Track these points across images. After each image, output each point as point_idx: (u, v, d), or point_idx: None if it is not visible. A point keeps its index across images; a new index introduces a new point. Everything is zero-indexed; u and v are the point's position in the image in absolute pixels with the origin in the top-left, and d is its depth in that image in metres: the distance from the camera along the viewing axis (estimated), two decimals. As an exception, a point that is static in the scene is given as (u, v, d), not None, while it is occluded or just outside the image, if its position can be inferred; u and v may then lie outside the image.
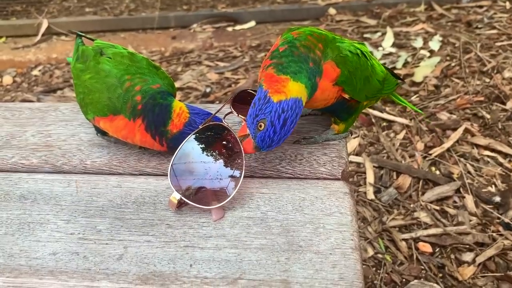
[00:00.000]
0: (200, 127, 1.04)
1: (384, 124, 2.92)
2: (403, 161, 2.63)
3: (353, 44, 1.08)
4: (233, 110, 1.08)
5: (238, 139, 1.01)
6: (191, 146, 1.02)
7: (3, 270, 0.86)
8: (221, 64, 3.81)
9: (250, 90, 1.10)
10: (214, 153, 1.03)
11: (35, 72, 3.95)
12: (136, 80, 1.06)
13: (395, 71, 2.48)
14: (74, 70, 1.17)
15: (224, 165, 1.01)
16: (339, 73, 1.03)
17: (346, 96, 1.07)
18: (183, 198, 0.95)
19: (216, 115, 1.08)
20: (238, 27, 4.40)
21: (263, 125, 0.95)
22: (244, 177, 1.05)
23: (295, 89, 0.97)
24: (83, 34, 1.26)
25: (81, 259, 0.87)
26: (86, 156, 1.16)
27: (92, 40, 1.24)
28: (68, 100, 3.52)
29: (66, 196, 1.03)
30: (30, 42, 4.38)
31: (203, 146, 1.03)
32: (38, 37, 4.38)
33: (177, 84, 3.46)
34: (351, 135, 1.18)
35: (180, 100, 1.24)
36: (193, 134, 1.03)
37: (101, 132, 1.18)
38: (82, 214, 0.98)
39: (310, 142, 1.14)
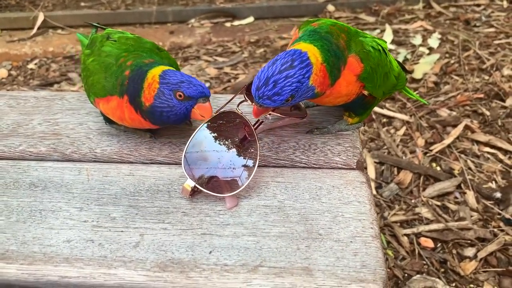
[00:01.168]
0: (214, 114, 1.02)
1: (384, 120, 2.92)
2: (404, 157, 2.63)
3: (375, 40, 1.07)
4: (246, 98, 1.07)
5: (252, 127, 1.00)
6: (203, 135, 1.01)
7: (17, 257, 0.84)
8: (220, 59, 3.79)
9: None
10: (227, 142, 1.01)
11: (31, 65, 3.90)
12: (130, 56, 1.04)
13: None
14: (82, 56, 1.16)
15: (238, 154, 0.99)
16: (363, 68, 1.01)
17: (366, 92, 1.06)
18: (197, 185, 0.94)
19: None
20: (236, 23, 4.38)
21: None
22: (258, 166, 1.04)
23: (302, 45, 0.95)
24: (99, 25, 1.26)
25: (97, 246, 0.85)
26: (95, 144, 1.14)
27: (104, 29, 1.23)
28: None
29: (77, 184, 1.01)
30: (26, 35, 4.32)
31: (216, 134, 1.01)
32: (34, 31, 4.32)
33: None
34: (364, 125, 1.16)
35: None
36: (206, 123, 1.01)
37: (109, 121, 1.16)
38: (95, 202, 0.96)
39: (323, 132, 1.13)
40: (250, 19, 4.40)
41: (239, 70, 3.62)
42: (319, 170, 1.03)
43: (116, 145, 1.13)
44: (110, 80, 1.03)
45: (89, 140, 1.15)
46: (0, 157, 1.13)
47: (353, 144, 1.10)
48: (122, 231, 0.88)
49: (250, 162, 0.98)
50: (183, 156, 0.97)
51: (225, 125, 1.03)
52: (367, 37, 1.05)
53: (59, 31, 4.41)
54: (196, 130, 1.00)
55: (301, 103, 1.14)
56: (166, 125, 1.07)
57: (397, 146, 2.71)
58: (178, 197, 0.96)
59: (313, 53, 0.93)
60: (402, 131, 2.81)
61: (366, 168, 2.57)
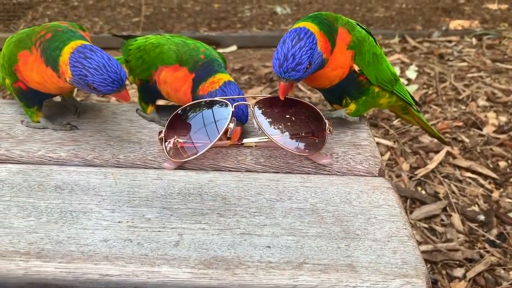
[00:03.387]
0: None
1: (370, 145, 3.00)
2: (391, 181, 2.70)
3: (359, 24, 1.21)
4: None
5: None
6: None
7: (54, 256, 0.82)
8: (205, 84, 3.83)
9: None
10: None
11: (11, 86, 3.82)
12: (199, 45, 1.21)
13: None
14: (132, 48, 1.26)
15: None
16: (351, 38, 1.13)
17: (356, 68, 1.15)
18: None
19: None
20: (220, 50, 4.45)
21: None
22: (283, 172, 1.07)
23: (300, 24, 1.09)
24: (126, 35, 1.38)
25: (136, 245, 0.84)
26: (117, 150, 1.13)
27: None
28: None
29: (105, 187, 1.00)
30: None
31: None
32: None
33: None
34: (361, 122, 1.23)
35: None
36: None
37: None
38: (127, 204, 0.95)
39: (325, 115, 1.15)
40: (233, 47, 4.49)
41: (225, 95, 3.66)
42: (345, 177, 1.06)
43: (139, 152, 1.13)
44: (185, 54, 1.17)
45: (110, 147, 1.15)
46: (19, 161, 1.10)
47: (372, 153, 1.14)
48: (159, 231, 0.88)
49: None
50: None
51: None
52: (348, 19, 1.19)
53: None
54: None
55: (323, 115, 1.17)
56: None
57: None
58: (210, 199, 0.97)
59: (311, 26, 1.07)
60: (387, 156, 2.90)
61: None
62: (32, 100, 1.19)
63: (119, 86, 1.00)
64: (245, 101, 1.11)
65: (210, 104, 1.10)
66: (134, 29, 4.92)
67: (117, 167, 1.09)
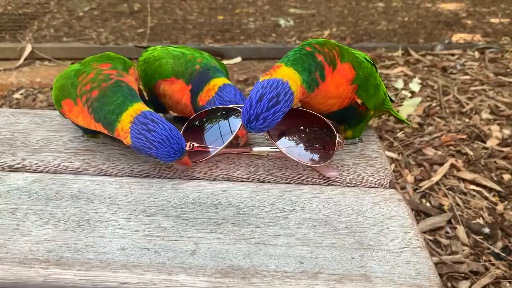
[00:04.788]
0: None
1: (374, 157, 3.02)
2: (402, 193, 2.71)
3: (365, 56, 1.18)
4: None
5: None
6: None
7: (73, 264, 0.83)
8: (210, 95, 3.85)
9: None
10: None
11: (17, 95, 3.85)
12: (196, 54, 1.22)
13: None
14: (140, 59, 1.29)
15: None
16: (355, 75, 1.11)
17: (359, 101, 1.15)
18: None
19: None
20: (225, 62, 4.49)
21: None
22: (295, 183, 1.08)
23: (284, 73, 1.00)
24: (145, 46, 1.42)
25: (153, 254, 0.86)
26: (132, 160, 1.15)
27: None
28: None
29: (121, 196, 1.02)
30: (12, 66, 4.29)
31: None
32: (21, 61, 4.30)
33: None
34: (361, 141, 1.24)
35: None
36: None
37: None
38: (143, 213, 0.97)
39: None
40: (238, 59, 4.53)
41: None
42: (356, 188, 1.07)
43: (153, 161, 1.14)
44: (180, 67, 1.19)
45: (125, 157, 1.16)
46: (35, 170, 1.12)
47: (383, 165, 1.15)
48: (176, 240, 0.89)
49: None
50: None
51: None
52: (358, 52, 1.16)
53: (46, 62, 4.40)
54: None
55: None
56: None
57: (388, 182, 2.80)
58: (224, 209, 0.98)
59: (294, 79, 1.00)
60: (391, 168, 2.91)
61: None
62: (84, 129, 1.19)
63: (180, 155, 1.02)
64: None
65: (223, 111, 1.14)
66: (139, 40, 4.96)
67: (131, 176, 1.11)
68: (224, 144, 1.11)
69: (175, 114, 1.35)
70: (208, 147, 1.13)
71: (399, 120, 1.45)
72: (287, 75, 1.00)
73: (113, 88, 1.04)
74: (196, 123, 1.16)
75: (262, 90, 0.98)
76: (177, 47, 1.28)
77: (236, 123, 1.11)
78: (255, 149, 1.18)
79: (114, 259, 0.84)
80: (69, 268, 0.82)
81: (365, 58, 1.17)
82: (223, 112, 1.14)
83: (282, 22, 5.70)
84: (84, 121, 1.08)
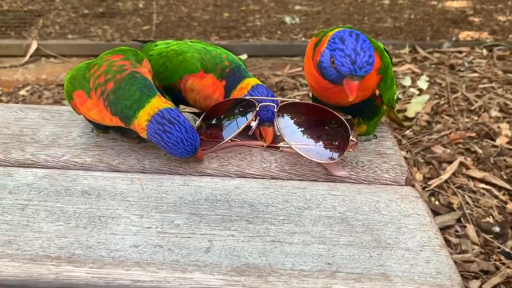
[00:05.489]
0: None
1: (382, 155, 2.99)
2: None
3: (382, 46, 1.17)
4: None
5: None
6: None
7: (85, 261, 0.81)
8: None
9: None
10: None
11: (23, 92, 3.84)
12: (219, 51, 1.22)
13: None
14: (153, 53, 1.26)
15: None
16: (380, 64, 1.09)
17: (377, 92, 1.13)
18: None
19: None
20: (230, 59, 4.47)
21: (332, 58, 0.99)
22: (309, 180, 1.06)
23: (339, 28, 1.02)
24: (145, 40, 1.39)
25: (166, 251, 0.84)
26: (142, 156, 1.13)
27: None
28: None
29: (132, 193, 1.00)
30: (18, 62, 4.28)
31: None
32: (26, 58, 4.29)
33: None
34: (376, 138, 1.22)
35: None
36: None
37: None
38: (155, 209, 0.95)
39: None
40: (244, 56, 4.50)
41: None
42: (372, 185, 1.05)
43: (164, 157, 1.12)
44: (208, 63, 1.18)
45: (135, 152, 1.14)
46: (44, 166, 1.10)
47: (398, 162, 1.13)
48: (189, 237, 0.87)
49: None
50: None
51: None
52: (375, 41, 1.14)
53: (52, 59, 4.39)
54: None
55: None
56: None
57: (396, 180, 2.77)
58: (238, 206, 0.96)
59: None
60: (400, 166, 2.89)
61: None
62: (95, 124, 1.18)
63: (193, 154, 1.03)
64: (272, 102, 1.12)
65: (240, 103, 1.15)
66: (145, 37, 4.95)
67: (142, 172, 1.09)
68: (238, 131, 1.12)
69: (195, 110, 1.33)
70: (224, 138, 1.13)
71: (397, 123, 1.42)
72: (339, 28, 1.02)
73: (129, 80, 1.02)
74: (218, 110, 1.18)
75: (337, 37, 0.99)
76: (192, 41, 1.26)
77: (250, 115, 1.12)
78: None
79: (127, 256, 0.82)
80: (81, 265, 0.80)
81: (384, 49, 1.16)
82: (242, 105, 1.15)
83: (287, 19, 5.67)
84: (98, 115, 1.06)
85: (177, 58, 1.21)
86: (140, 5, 6.07)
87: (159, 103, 1.00)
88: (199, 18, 5.67)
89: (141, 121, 0.99)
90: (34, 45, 4.37)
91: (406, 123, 3.30)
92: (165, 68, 1.23)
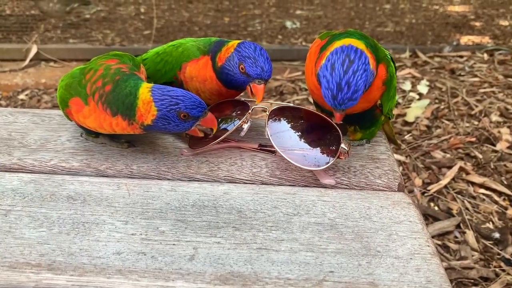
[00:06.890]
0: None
1: (381, 160, 2.96)
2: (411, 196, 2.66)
3: (387, 52, 1.13)
4: None
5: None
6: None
7: (65, 268, 0.79)
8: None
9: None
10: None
11: (22, 96, 3.84)
12: (213, 39, 1.21)
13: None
14: (147, 57, 1.26)
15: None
16: (387, 76, 1.06)
17: (378, 102, 1.10)
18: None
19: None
20: (230, 63, 4.46)
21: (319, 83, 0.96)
22: (300, 186, 1.04)
23: (343, 41, 0.97)
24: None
25: (149, 259, 0.82)
26: (131, 161, 1.11)
27: None
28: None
29: (118, 198, 0.98)
30: (17, 66, 4.28)
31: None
32: (26, 62, 4.29)
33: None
34: (369, 143, 1.19)
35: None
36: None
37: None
38: (140, 215, 0.93)
39: None
40: (244, 60, 4.49)
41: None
42: (363, 191, 1.03)
43: (152, 162, 1.10)
44: (204, 46, 1.17)
45: (124, 157, 1.13)
46: (31, 171, 1.09)
47: (391, 167, 1.11)
48: (174, 244, 0.85)
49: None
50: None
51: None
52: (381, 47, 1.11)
53: (52, 63, 4.39)
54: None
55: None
56: (230, 88, 1.16)
57: (395, 185, 2.75)
58: (225, 212, 0.94)
59: (356, 44, 0.96)
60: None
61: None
62: (87, 131, 1.16)
63: (205, 107, 1.02)
64: (263, 79, 1.09)
65: (236, 106, 1.18)
66: (145, 41, 4.95)
67: (130, 177, 1.07)
68: (229, 132, 1.11)
69: None
70: (213, 136, 1.12)
71: (389, 137, 1.33)
72: (346, 41, 0.96)
73: (125, 77, 1.03)
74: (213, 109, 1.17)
75: (331, 61, 0.92)
76: (186, 40, 1.25)
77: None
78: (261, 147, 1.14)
79: (109, 263, 0.80)
80: (62, 273, 0.78)
81: (390, 57, 1.11)
82: (237, 107, 1.17)
83: (288, 24, 5.67)
84: (95, 122, 1.04)
85: (177, 50, 1.19)
86: (142, 10, 6.07)
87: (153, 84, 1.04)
88: (200, 23, 5.67)
89: (144, 96, 0.99)
90: (34, 49, 4.37)
91: (406, 128, 3.28)
92: (165, 62, 1.20)
